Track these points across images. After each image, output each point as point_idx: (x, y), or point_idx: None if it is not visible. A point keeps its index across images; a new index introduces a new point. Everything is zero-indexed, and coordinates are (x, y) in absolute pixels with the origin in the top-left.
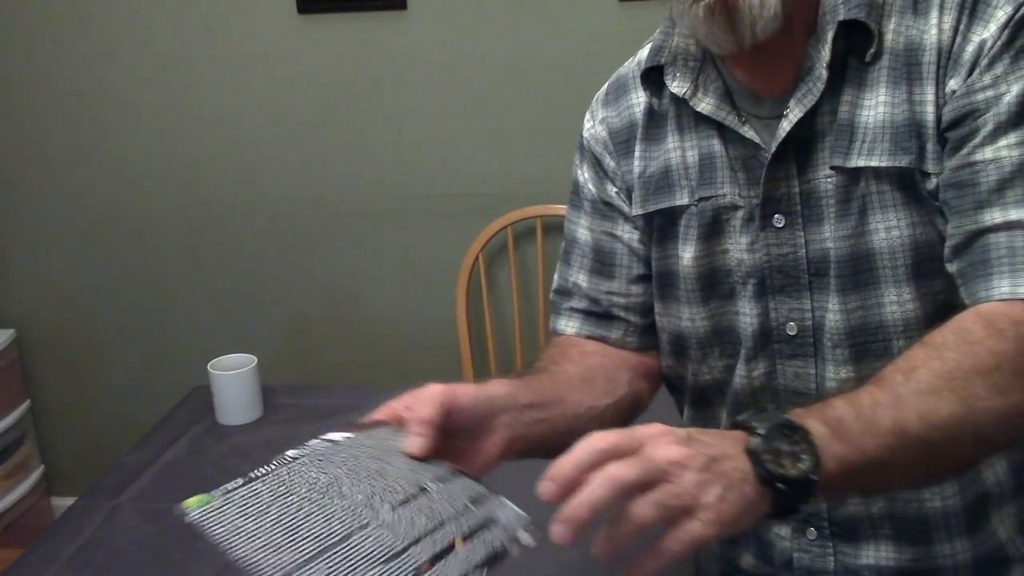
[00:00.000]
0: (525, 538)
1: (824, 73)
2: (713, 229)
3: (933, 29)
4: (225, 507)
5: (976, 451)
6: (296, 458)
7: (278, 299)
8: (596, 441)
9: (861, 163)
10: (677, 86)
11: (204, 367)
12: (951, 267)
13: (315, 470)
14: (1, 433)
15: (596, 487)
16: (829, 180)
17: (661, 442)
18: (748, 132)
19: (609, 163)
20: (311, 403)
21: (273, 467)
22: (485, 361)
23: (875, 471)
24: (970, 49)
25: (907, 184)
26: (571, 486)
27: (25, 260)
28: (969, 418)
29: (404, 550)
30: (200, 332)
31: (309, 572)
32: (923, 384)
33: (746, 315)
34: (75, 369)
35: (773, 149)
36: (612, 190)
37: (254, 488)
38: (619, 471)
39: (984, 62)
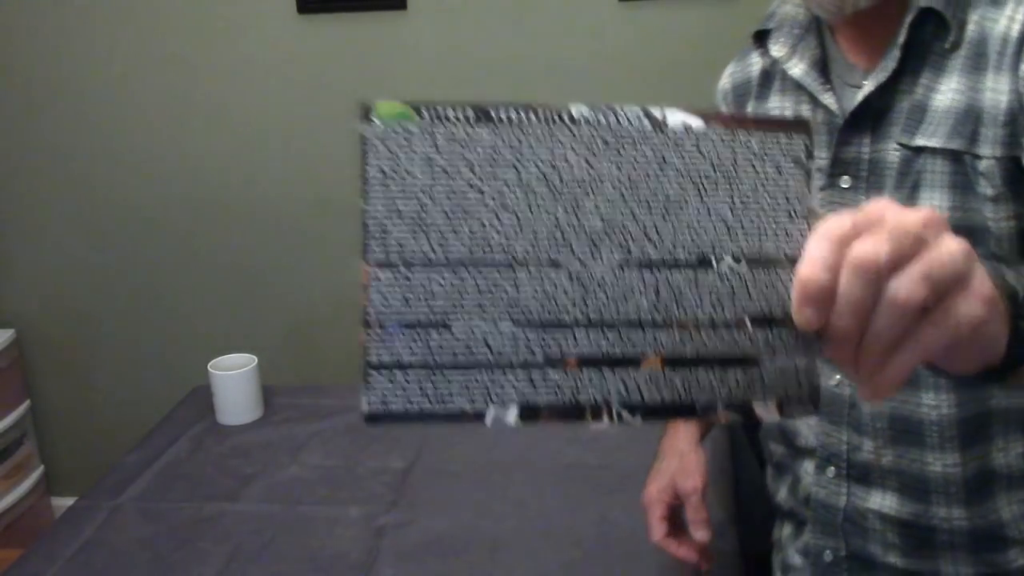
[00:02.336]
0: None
1: (897, 54)
2: None
3: (1004, 20)
4: (424, 136)
5: None
6: (570, 119)
7: (278, 299)
8: (831, 229)
9: (922, 143)
10: (776, 50)
11: (204, 367)
12: None
13: (581, 151)
14: (1, 433)
15: (852, 285)
16: (895, 152)
17: (900, 209)
18: (827, 99)
19: (720, 109)
20: (311, 403)
21: (521, 115)
22: None
23: None
24: None
25: (957, 167)
26: (828, 297)
27: (25, 260)
28: None
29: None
30: (200, 332)
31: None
32: None
33: None
34: (75, 369)
35: (846, 116)
36: None
37: (479, 133)
38: (868, 250)
39: None
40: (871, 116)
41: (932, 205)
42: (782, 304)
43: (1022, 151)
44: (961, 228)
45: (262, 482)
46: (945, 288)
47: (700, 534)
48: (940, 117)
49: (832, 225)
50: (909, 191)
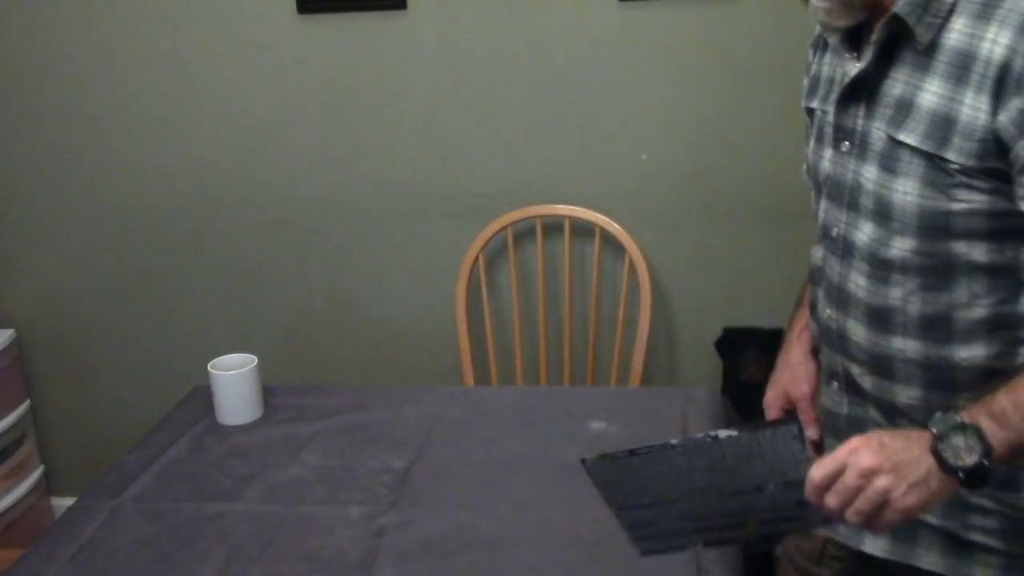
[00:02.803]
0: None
1: (872, 49)
2: (820, 135)
3: (987, 43)
4: (614, 465)
5: None
6: (674, 446)
7: (278, 299)
8: (815, 474)
9: (902, 138)
10: (821, 17)
11: (204, 367)
12: None
13: (682, 458)
14: (1, 433)
15: (828, 507)
16: (880, 132)
17: (858, 456)
18: (850, 68)
19: (809, 55)
20: (311, 403)
21: (653, 448)
22: (485, 361)
23: None
24: None
25: (930, 163)
26: (820, 498)
27: (25, 260)
28: None
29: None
30: (200, 332)
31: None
32: None
33: (819, 208)
34: (75, 369)
35: (838, 91)
36: (805, 80)
37: (633, 460)
38: (832, 503)
39: None
40: (865, 93)
41: (904, 190)
42: (803, 498)
43: (991, 162)
44: (928, 212)
45: (262, 482)
46: (873, 511)
47: (811, 432)
48: (921, 116)
49: (816, 471)
50: (890, 174)
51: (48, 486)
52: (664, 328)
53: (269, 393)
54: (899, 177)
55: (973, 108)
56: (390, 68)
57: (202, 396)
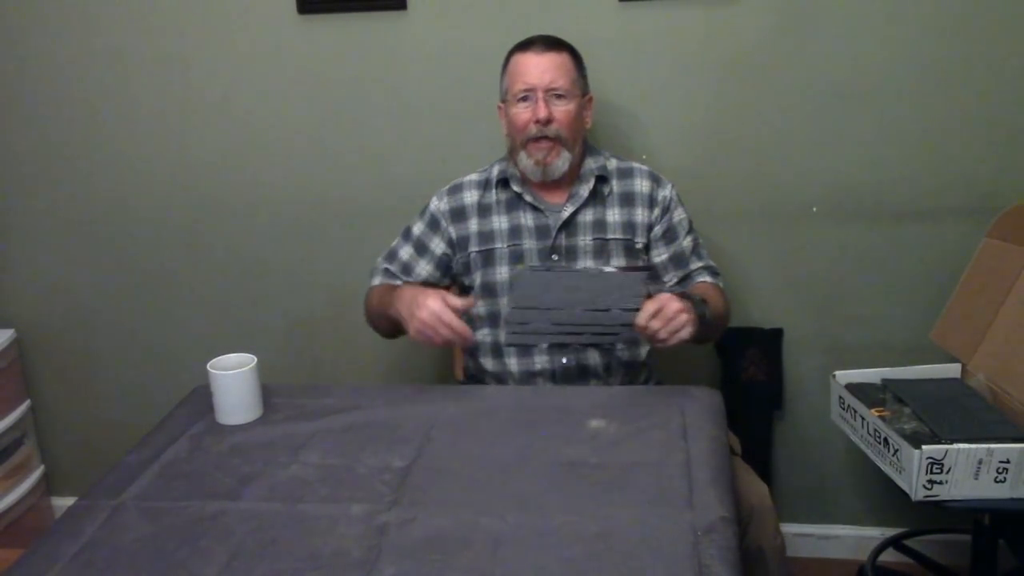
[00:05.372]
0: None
1: (584, 194)
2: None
3: (638, 185)
4: (531, 274)
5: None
6: (577, 271)
7: (278, 299)
8: (649, 307)
9: (609, 236)
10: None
11: (204, 367)
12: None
13: (574, 279)
14: (1, 433)
15: (654, 327)
16: (590, 241)
17: (670, 302)
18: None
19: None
20: (311, 403)
21: (564, 269)
22: None
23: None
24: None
25: (628, 245)
26: (646, 322)
27: (25, 260)
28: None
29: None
30: (200, 332)
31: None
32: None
33: None
34: (75, 369)
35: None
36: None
37: (546, 274)
38: (656, 325)
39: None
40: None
41: (616, 261)
42: (632, 320)
43: (655, 233)
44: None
45: (263, 481)
46: (676, 331)
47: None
48: (613, 227)
49: (650, 305)
50: (604, 259)
51: (48, 486)
52: None
53: (269, 393)
54: (613, 257)
55: (642, 215)
56: (390, 68)
57: (202, 396)
